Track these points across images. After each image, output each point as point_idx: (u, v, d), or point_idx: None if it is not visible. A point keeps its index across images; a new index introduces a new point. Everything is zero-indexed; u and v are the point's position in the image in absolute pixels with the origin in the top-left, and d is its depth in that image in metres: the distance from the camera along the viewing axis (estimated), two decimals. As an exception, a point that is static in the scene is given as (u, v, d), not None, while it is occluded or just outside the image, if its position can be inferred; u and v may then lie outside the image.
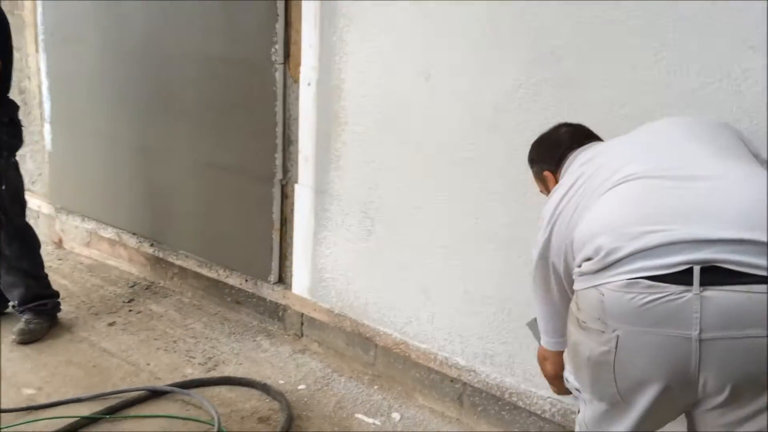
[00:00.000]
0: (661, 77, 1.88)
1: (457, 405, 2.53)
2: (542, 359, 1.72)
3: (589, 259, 1.25)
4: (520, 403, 2.32)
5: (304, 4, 2.69)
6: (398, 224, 2.56)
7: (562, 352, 1.54)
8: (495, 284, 2.33)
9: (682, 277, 1.11)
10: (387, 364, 2.74)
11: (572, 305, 1.32)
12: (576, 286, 1.30)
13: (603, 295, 1.19)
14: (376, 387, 2.72)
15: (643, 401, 1.18)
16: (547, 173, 1.75)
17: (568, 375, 1.39)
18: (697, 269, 1.10)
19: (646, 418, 1.20)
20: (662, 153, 1.35)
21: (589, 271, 1.24)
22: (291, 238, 2.97)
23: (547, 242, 1.47)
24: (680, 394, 1.16)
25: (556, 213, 1.45)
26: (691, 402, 1.18)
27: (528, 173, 2.14)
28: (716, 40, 1.78)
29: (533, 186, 2.16)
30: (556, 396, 2.22)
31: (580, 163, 1.52)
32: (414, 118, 2.44)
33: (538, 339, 1.75)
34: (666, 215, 1.17)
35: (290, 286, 3.00)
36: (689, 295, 1.10)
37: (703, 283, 1.10)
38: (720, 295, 1.09)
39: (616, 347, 1.18)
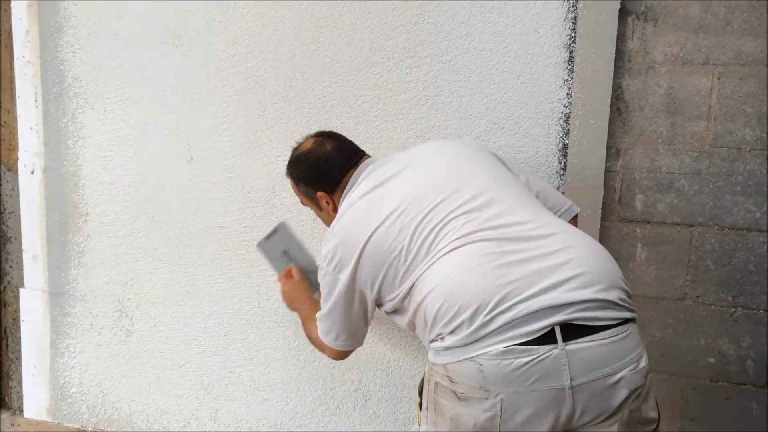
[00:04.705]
0: (429, 154, 2.07)
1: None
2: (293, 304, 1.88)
3: (452, 332, 1.34)
4: (321, 485, 2.27)
5: (18, 83, 2.35)
6: (165, 319, 2.34)
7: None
8: (284, 368, 2.26)
9: (546, 338, 1.31)
10: (159, 476, 2.45)
11: (439, 380, 1.38)
12: (439, 360, 1.38)
13: (481, 365, 1.31)
14: (148, 506, 2.41)
15: None
16: (321, 194, 1.68)
17: None
18: (557, 329, 1.31)
19: None
20: (469, 190, 1.46)
21: (458, 345, 1.34)
22: (16, 352, 2.50)
23: (354, 271, 1.49)
24: (559, 429, 1.35)
25: (368, 243, 1.47)
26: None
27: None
28: (473, 122, 2.04)
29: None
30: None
31: (371, 185, 1.55)
32: (176, 203, 2.28)
33: (276, 267, 1.99)
34: (521, 285, 1.34)
35: (19, 410, 2.52)
36: (556, 351, 1.30)
37: (565, 339, 1.31)
38: (579, 347, 1.31)
39: (501, 409, 1.31)
